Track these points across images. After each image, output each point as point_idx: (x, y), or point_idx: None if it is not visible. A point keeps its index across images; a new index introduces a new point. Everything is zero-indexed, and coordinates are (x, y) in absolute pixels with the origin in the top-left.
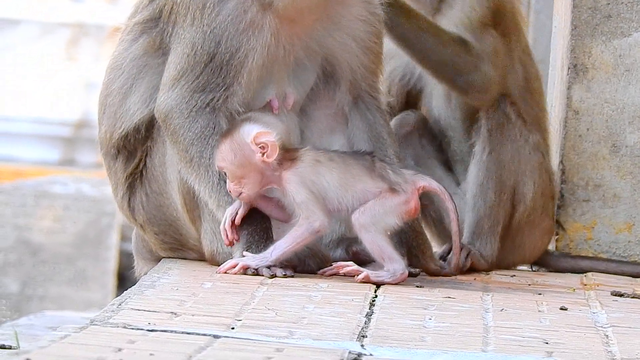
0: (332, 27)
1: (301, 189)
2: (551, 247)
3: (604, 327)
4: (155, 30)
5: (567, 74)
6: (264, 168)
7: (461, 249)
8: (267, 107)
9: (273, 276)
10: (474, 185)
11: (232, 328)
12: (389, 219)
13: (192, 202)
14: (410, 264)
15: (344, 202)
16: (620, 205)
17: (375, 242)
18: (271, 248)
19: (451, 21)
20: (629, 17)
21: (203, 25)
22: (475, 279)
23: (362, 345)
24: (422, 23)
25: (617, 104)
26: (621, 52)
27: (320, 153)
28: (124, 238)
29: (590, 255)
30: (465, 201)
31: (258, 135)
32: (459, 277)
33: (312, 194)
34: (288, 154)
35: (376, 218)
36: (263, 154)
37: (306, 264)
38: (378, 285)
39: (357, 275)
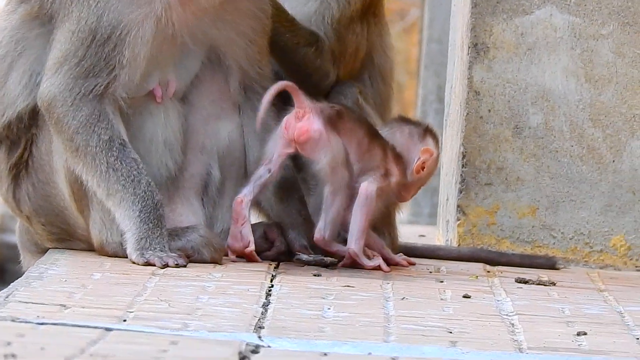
0: (218, 21)
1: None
2: (452, 233)
3: (510, 315)
4: None
5: (468, 54)
6: None
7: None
8: (151, 96)
9: (165, 266)
10: None
11: (124, 320)
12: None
13: (80, 191)
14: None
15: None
16: (523, 189)
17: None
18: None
19: (317, 16)
20: None
21: None
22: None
23: (259, 337)
24: (282, 20)
25: (519, 84)
26: (523, 30)
27: None
28: (3, 229)
29: (494, 240)
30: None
31: None
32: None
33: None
34: None
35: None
36: None
37: (200, 253)
38: (274, 275)
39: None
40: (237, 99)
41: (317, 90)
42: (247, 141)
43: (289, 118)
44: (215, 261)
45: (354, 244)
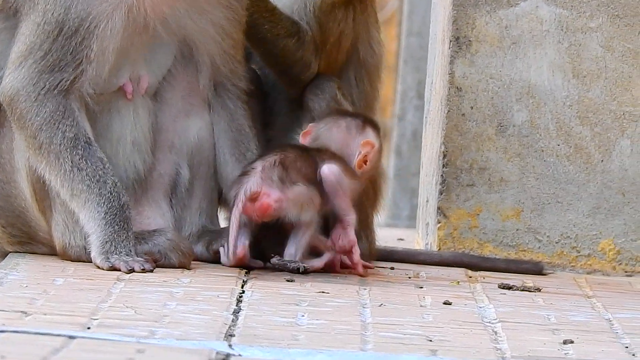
0: (192, 10)
1: None
2: (432, 236)
3: (492, 323)
4: None
5: (449, 48)
6: None
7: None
8: (120, 92)
9: (131, 271)
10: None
11: (89, 328)
12: None
13: (42, 192)
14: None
15: None
16: (507, 190)
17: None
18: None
19: (299, 4)
20: None
21: None
22: (350, 272)
23: (229, 345)
24: (262, 10)
25: (503, 80)
26: (507, 23)
27: None
28: None
29: (476, 244)
30: None
31: None
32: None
33: None
34: None
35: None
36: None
37: (167, 257)
38: (245, 280)
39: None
40: (207, 96)
41: (298, 82)
42: (217, 140)
43: (243, 204)
44: (184, 266)
45: (349, 219)
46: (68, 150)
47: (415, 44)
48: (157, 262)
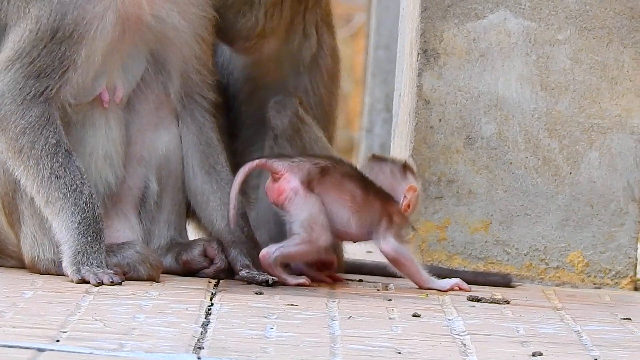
0: (171, 11)
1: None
2: None
3: (461, 335)
4: None
5: (417, 60)
6: None
7: None
8: (97, 101)
9: (100, 283)
10: None
11: (58, 340)
12: None
13: (11, 204)
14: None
15: None
16: (476, 203)
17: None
18: None
19: None
20: None
21: None
22: (319, 284)
23: (198, 358)
24: None
25: (471, 92)
26: (475, 35)
27: None
28: None
29: (444, 256)
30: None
31: None
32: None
33: None
34: None
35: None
36: None
37: (137, 270)
38: (214, 293)
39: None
40: (176, 108)
41: (241, 35)
42: (186, 153)
43: (267, 183)
44: (152, 279)
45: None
46: (49, 156)
47: (383, 57)
48: (126, 275)
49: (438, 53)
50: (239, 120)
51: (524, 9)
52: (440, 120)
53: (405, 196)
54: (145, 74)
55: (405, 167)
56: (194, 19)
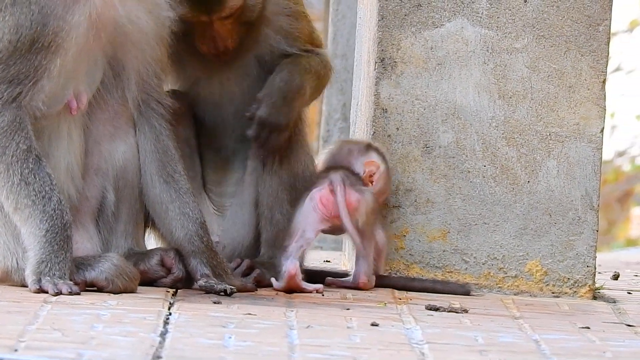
0: (139, 8)
1: None
2: None
3: (419, 344)
4: None
5: (374, 69)
6: None
7: (252, 266)
8: (66, 108)
9: (58, 293)
10: (268, 197)
11: (16, 350)
12: None
13: None
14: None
15: None
16: (433, 211)
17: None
18: None
19: None
20: (440, 5)
21: (30, 4)
22: (277, 294)
23: None
24: None
25: (429, 101)
26: (433, 44)
27: None
28: None
29: (402, 265)
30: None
31: None
32: (260, 293)
33: None
34: None
35: None
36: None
37: (114, 284)
38: (172, 302)
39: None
40: (133, 116)
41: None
42: (144, 162)
43: (322, 194)
44: (131, 290)
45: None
46: (19, 162)
47: (339, 66)
48: (104, 289)
49: (395, 62)
50: (224, 120)
51: (481, 17)
52: (397, 129)
53: (364, 170)
54: (105, 78)
55: (367, 147)
56: (159, 19)
